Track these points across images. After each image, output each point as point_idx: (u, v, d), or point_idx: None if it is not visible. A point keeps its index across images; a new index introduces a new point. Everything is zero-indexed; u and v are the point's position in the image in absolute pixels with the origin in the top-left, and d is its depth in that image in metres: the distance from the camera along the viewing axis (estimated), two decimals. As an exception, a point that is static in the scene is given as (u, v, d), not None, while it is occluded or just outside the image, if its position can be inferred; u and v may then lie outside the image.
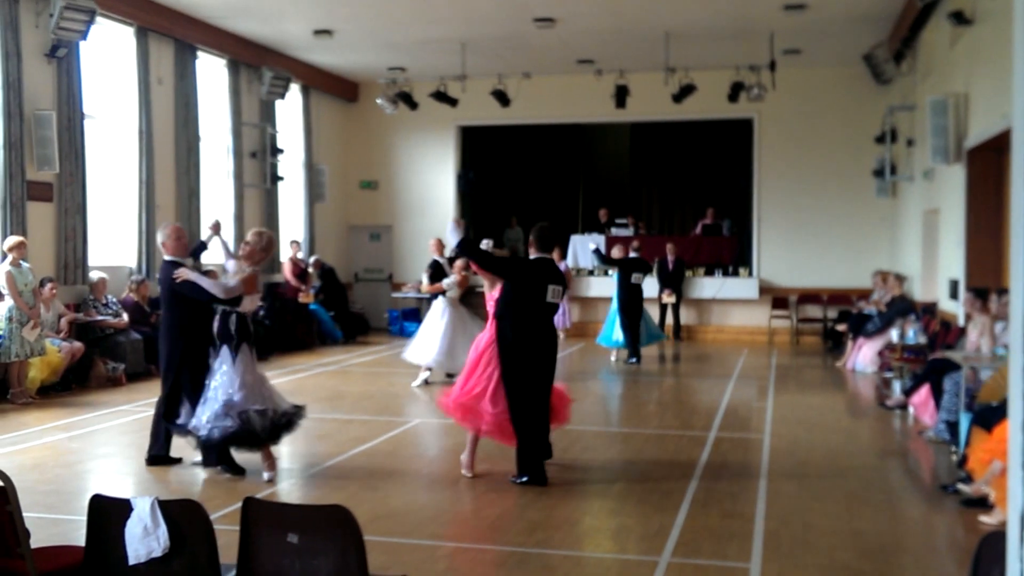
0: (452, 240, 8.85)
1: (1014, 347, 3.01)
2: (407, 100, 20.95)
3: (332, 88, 22.94)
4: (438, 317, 14.31)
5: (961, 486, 8.12)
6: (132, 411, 12.23)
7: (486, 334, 8.90)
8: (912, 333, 13.57)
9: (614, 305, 17.54)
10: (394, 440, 10.64)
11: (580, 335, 21.37)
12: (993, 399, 8.78)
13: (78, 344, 13.86)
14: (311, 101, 22.29)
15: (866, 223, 21.36)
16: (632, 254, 17.92)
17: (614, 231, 22.86)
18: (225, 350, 8.60)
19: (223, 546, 4.43)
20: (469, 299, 15.56)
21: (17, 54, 13.74)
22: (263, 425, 8.50)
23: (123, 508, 4.41)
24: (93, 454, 10.03)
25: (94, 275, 14.91)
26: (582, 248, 22.31)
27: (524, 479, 8.44)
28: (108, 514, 4.47)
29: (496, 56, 20.00)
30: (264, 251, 9.17)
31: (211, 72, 18.84)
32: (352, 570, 4.09)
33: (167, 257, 9.27)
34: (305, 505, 4.36)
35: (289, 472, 9.20)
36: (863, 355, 16.32)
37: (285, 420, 8.70)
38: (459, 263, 14.31)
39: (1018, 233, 2.93)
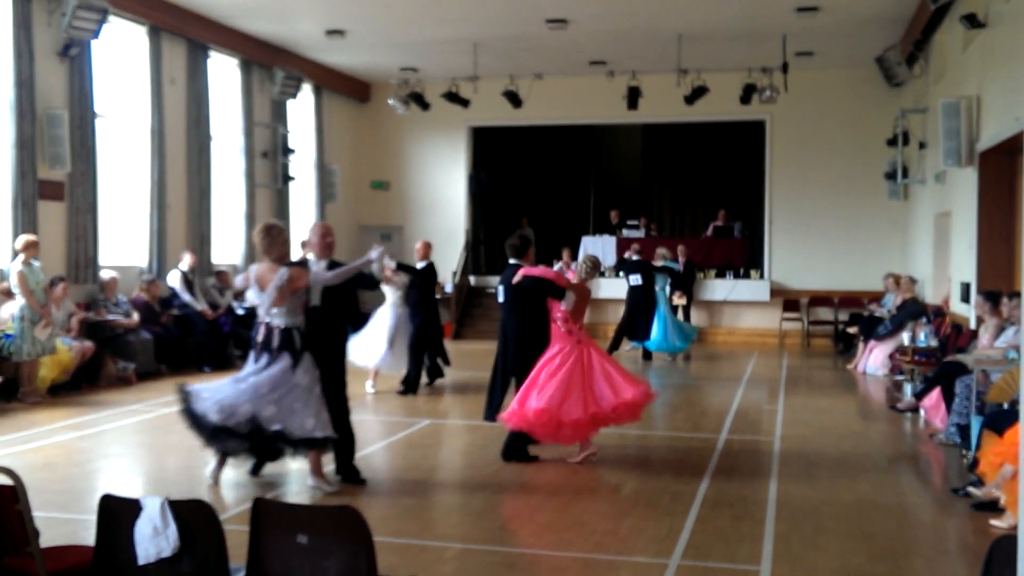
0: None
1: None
2: (419, 101, 20.97)
3: (344, 88, 22.95)
4: (380, 319, 14.01)
5: (972, 489, 8.09)
6: (142, 411, 12.25)
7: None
8: (923, 336, 13.52)
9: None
10: (404, 441, 10.63)
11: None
12: (1001, 399, 8.76)
13: (88, 343, 13.88)
14: (323, 101, 22.31)
15: (877, 226, 21.32)
16: (634, 256, 18.14)
17: (625, 233, 22.82)
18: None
19: (232, 547, 4.43)
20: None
21: (29, 53, 13.77)
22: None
23: (133, 508, 4.41)
24: (103, 453, 10.05)
25: (105, 274, 14.94)
26: (593, 251, 22.27)
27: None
28: (118, 514, 4.47)
29: (508, 57, 20.00)
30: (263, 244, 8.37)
31: (223, 72, 18.87)
32: (361, 571, 4.09)
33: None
34: (314, 506, 4.37)
35: (299, 473, 9.19)
36: (874, 358, 16.29)
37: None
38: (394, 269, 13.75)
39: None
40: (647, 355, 18.03)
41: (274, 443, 7.99)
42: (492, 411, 10.06)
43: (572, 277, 10.48)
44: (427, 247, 14.29)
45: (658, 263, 18.32)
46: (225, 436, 7.94)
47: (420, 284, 13.98)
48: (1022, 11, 11.29)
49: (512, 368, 9.98)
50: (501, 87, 20.53)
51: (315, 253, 8.70)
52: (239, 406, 7.89)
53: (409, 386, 13.90)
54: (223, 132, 18.81)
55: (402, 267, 13.85)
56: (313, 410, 8.00)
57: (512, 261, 10.04)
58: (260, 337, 8.16)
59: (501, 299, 10.11)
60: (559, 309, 9.56)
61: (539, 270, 9.80)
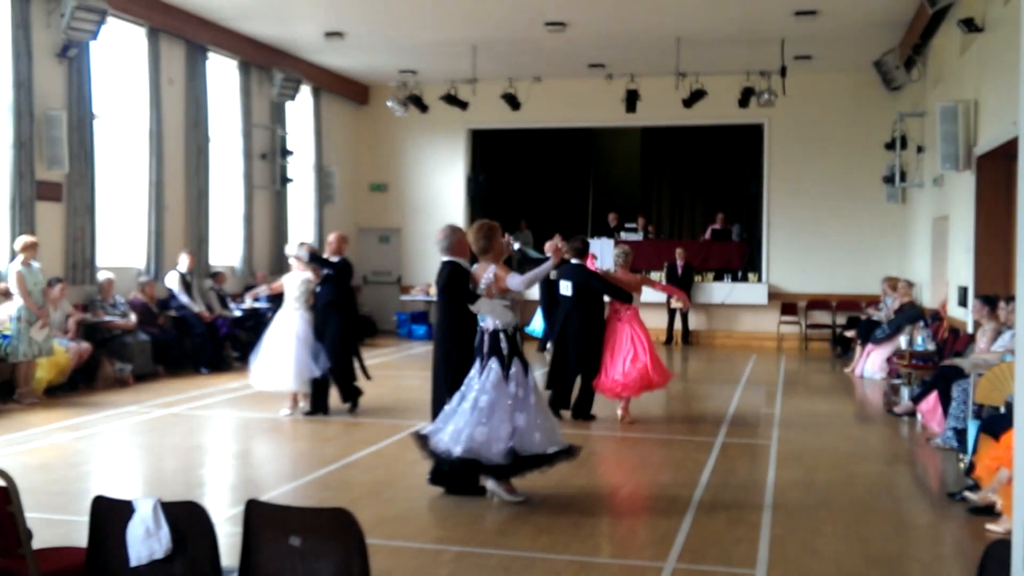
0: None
1: (1020, 354, 3.00)
2: (417, 103, 20.96)
3: (342, 90, 22.95)
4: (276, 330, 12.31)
5: (968, 494, 8.09)
6: (139, 412, 12.25)
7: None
8: (921, 340, 13.52)
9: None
10: (400, 443, 10.61)
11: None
12: (988, 400, 8.77)
13: (85, 344, 13.87)
14: (321, 103, 22.30)
15: (876, 229, 21.32)
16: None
17: (623, 235, 22.83)
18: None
19: (225, 548, 4.43)
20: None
21: (28, 54, 13.76)
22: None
23: (125, 509, 4.40)
24: (99, 455, 10.03)
25: (102, 275, 14.93)
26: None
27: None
28: (110, 515, 4.46)
29: (507, 59, 20.00)
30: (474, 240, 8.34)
31: (222, 73, 18.86)
32: (354, 573, 4.08)
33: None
34: (307, 508, 4.35)
35: (293, 474, 9.20)
36: (872, 361, 16.28)
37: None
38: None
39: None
40: (543, 345, 18.46)
41: (514, 468, 7.86)
42: (559, 403, 11.98)
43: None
44: (342, 241, 12.64)
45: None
46: (471, 468, 7.89)
47: (336, 282, 12.20)
48: (1019, 15, 11.29)
49: (578, 361, 11.88)
50: (500, 89, 20.54)
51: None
52: (474, 438, 7.73)
53: (349, 395, 12.39)
54: (221, 133, 18.80)
55: (316, 259, 12.16)
56: (540, 423, 7.93)
57: (574, 261, 12.05)
58: (476, 341, 8.10)
59: (568, 292, 12.01)
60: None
61: (598, 270, 12.33)
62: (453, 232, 8.48)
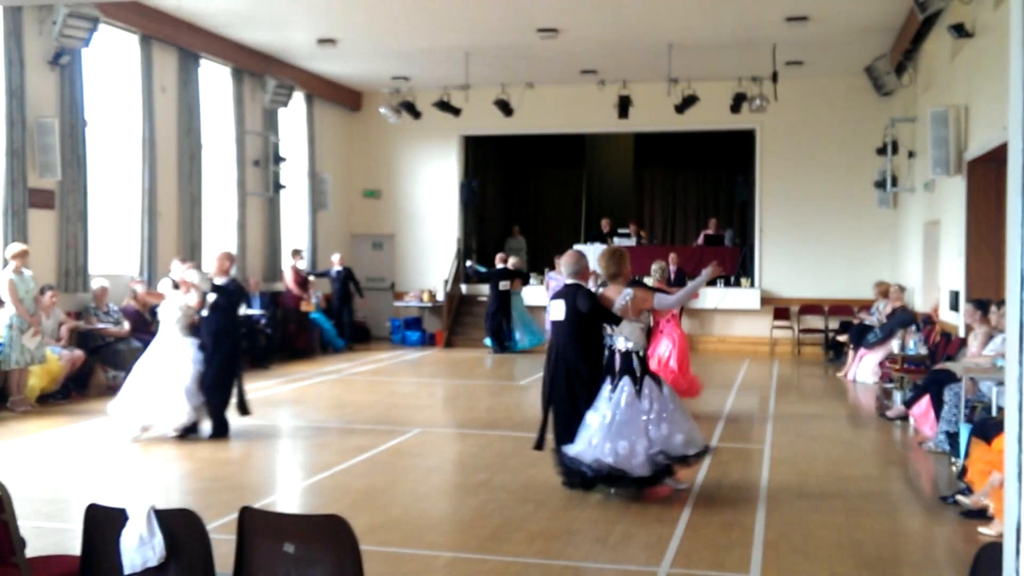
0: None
1: (1010, 358, 3.01)
2: (410, 109, 20.96)
3: (335, 97, 22.94)
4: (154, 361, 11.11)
5: (960, 497, 8.10)
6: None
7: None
8: (913, 344, 13.55)
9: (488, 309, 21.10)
10: (395, 449, 10.62)
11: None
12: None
13: (78, 352, 13.85)
14: (314, 110, 22.29)
15: (867, 234, 21.35)
16: (502, 266, 21.11)
17: (616, 241, 22.84)
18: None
19: (219, 556, 4.43)
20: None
21: (20, 61, 13.75)
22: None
23: (119, 517, 4.40)
24: (93, 463, 10.01)
25: (96, 283, 14.90)
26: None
27: None
28: (104, 523, 4.45)
29: (499, 66, 20.02)
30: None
31: (214, 80, 18.84)
32: (348, 580, 4.09)
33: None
34: (301, 515, 4.36)
35: (286, 481, 9.19)
36: (864, 366, 16.31)
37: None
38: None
39: (1015, 245, 2.93)
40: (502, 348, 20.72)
41: (655, 478, 8.28)
42: None
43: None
44: (228, 259, 11.44)
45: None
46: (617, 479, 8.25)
47: (224, 307, 11.19)
48: (1009, 20, 11.31)
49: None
50: (492, 96, 20.55)
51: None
52: (618, 452, 8.12)
53: (219, 430, 11.09)
54: (214, 140, 18.79)
55: (215, 289, 11.20)
56: (679, 427, 8.32)
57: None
58: (605, 361, 8.48)
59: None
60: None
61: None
62: (582, 258, 8.83)
